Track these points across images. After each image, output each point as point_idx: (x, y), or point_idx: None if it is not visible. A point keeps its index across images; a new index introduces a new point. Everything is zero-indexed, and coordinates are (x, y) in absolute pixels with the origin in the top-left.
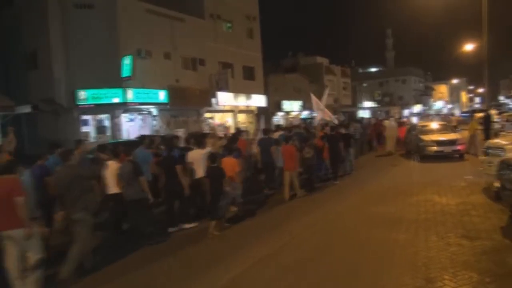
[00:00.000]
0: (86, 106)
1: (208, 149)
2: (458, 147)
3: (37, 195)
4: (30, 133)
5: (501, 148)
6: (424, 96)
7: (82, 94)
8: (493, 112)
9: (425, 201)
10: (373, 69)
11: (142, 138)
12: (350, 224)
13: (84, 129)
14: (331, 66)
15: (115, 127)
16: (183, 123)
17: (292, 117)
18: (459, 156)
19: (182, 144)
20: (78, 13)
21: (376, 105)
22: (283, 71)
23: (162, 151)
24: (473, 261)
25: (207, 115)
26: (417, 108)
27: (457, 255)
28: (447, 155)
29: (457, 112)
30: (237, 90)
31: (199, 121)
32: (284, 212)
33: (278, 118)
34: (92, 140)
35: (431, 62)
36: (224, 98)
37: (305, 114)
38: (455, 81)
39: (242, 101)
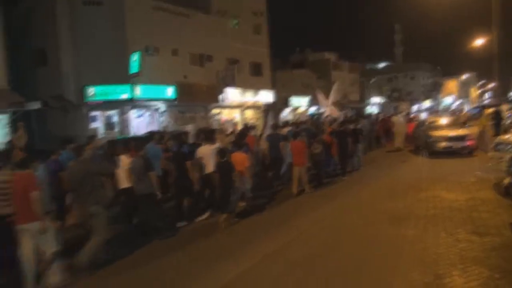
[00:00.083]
0: (95, 102)
1: (217, 144)
2: (468, 143)
3: (50, 190)
4: (40, 129)
5: (511, 144)
6: (433, 91)
7: (91, 90)
8: (504, 107)
9: (434, 197)
10: (382, 65)
11: (151, 134)
12: (359, 219)
13: (93, 125)
14: (339, 61)
15: (124, 123)
16: (191, 119)
17: (300, 113)
18: (468, 152)
19: (191, 139)
20: (87, 10)
21: (384, 101)
22: (291, 67)
23: (172, 147)
24: (482, 257)
25: (215, 111)
26: (426, 103)
27: (466, 251)
28: (456, 151)
29: (466, 107)
30: (244, 86)
31: (207, 117)
32: (293, 208)
33: (286, 114)
34: (100, 136)
35: (441, 57)
36: (232, 94)
37: (312, 110)
38: (464, 76)
39: (249, 97)
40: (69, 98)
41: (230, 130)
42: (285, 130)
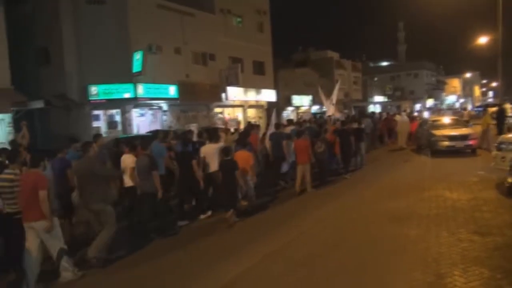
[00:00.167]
0: (98, 101)
1: (221, 143)
2: (470, 142)
3: (56, 188)
4: (42, 128)
5: None
6: (436, 90)
7: (94, 89)
8: (507, 106)
9: (436, 197)
10: (384, 63)
11: (156, 133)
12: (361, 218)
13: (95, 124)
14: (341, 60)
15: (126, 122)
16: (193, 118)
17: (303, 112)
18: (471, 151)
19: (194, 138)
20: (90, 9)
21: (387, 100)
22: (294, 65)
23: (176, 145)
24: (484, 257)
25: (217, 110)
26: (429, 102)
27: (468, 251)
28: (459, 150)
29: (469, 106)
30: (247, 85)
31: (209, 116)
32: (295, 206)
33: (288, 113)
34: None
35: (444, 56)
36: (234, 93)
37: (315, 108)
38: (468, 75)
39: (252, 96)
40: (71, 97)
41: (233, 128)
42: (289, 129)
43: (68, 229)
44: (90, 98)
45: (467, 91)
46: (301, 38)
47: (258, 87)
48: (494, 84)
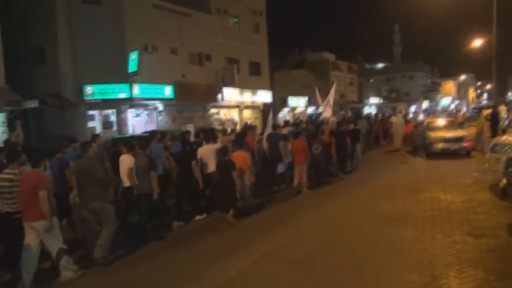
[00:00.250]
0: (93, 101)
1: (218, 144)
2: (465, 144)
3: (54, 187)
4: (37, 127)
5: (508, 145)
6: (431, 92)
7: (89, 89)
8: (502, 108)
9: (431, 198)
10: (380, 65)
11: (153, 133)
12: (357, 220)
13: (91, 124)
14: (337, 62)
15: (121, 122)
16: (189, 118)
17: (300, 113)
18: (465, 153)
19: (191, 139)
20: (86, 8)
21: (382, 101)
22: (290, 66)
23: (174, 146)
24: (478, 259)
25: (213, 110)
26: (424, 104)
27: (462, 253)
28: (453, 152)
29: (464, 108)
30: (243, 85)
31: (205, 116)
32: (292, 207)
33: (284, 114)
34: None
35: (439, 58)
36: (230, 94)
37: (310, 110)
38: (462, 77)
39: (248, 96)
40: (67, 97)
41: (230, 129)
42: (285, 130)
43: (67, 228)
44: (85, 98)
45: (461, 93)
46: (297, 39)
47: (254, 88)
48: (488, 86)
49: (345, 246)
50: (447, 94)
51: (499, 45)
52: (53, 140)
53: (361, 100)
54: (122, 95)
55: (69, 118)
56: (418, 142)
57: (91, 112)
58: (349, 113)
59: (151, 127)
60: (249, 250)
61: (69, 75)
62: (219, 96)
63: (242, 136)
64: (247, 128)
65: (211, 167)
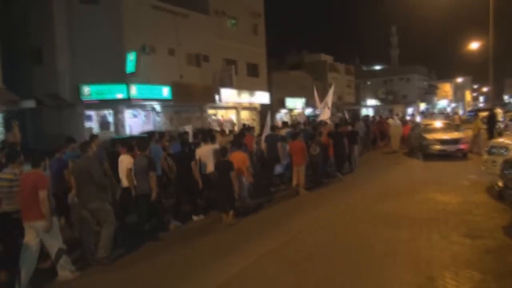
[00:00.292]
0: (90, 101)
1: (216, 145)
2: (461, 146)
3: (53, 187)
4: (34, 127)
5: (505, 147)
6: (428, 94)
7: (86, 89)
8: (498, 111)
9: (428, 200)
10: (377, 67)
11: (151, 133)
12: (354, 221)
13: (88, 124)
14: (335, 63)
15: (119, 122)
16: (186, 119)
17: (297, 114)
18: (462, 155)
19: (189, 139)
20: (84, 8)
21: (379, 103)
22: (287, 68)
23: (172, 146)
24: (475, 260)
25: (211, 111)
26: (421, 106)
27: (459, 254)
28: (450, 154)
29: (460, 111)
30: (240, 86)
31: (203, 117)
32: (290, 208)
33: (282, 115)
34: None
35: (436, 61)
36: (228, 95)
37: (308, 111)
38: (459, 79)
39: (245, 98)
40: (64, 97)
41: (228, 130)
42: (284, 131)
43: (66, 228)
44: (83, 98)
45: (458, 96)
46: (294, 40)
47: (251, 89)
48: (485, 89)
49: (342, 247)
50: (444, 97)
51: (496, 48)
52: (50, 140)
53: (358, 102)
54: (119, 96)
55: (66, 118)
56: (415, 144)
57: (88, 113)
58: (346, 115)
59: (149, 127)
60: (247, 250)
61: (67, 75)
62: (217, 97)
63: (240, 137)
64: (246, 129)
65: (210, 167)
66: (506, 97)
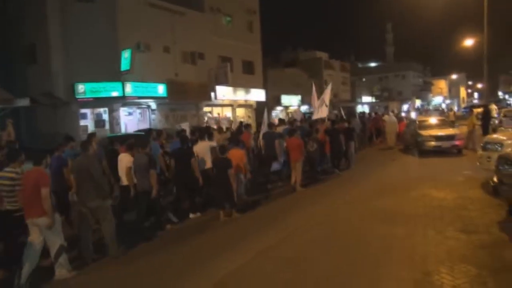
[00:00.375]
0: (85, 99)
1: (213, 141)
2: (456, 142)
3: (53, 185)
4: (29, 126)
5: (499, 143)
6: (423, 91)
7: (81, 87)
8: (493, 107)
9: (423, 196)
10: (373, 64)
11: (149, 131)
12: (350, 218)
13: (83, 122)
14: (330, 60)
15: (114, 121)
16: (182, 117)
17: (293, 111)
18: (457, 151)
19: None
20: (78, 6)
21: (375, 100)
22: (283, 65)
23: (171, 144)
24: (470, 255)
25: (206, 109)
26: (416, 103)
27: (454, 249)
28: (445, 150)
29: (455, 107)
30: (236, 84)
31: (198, 115)
32: (286, 204)
33: (277, 113)
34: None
35: (431, 57)
36: (223, 92)
37: (304, 108)
38: (454, 76)
39: (241, 95)
40: (58, 95)
41: (225, 127)
42: (280, 129)
43: (65, 226)
44: (77, 97)
45: (453, 92)
46: (289, 38)
47: (247, 86)
48: (479, 85)
49: (339, 243)
50: (438, 93)
51: (490, 44)
52: (45, 138)
53: (354, 99)
54: (114, 94)
55: (61, 117)
56: (410, 141)
57: (83, 111)
58: (342, 112)
59: (144, 125)
60: (245, 247)
61: (61, 73)
62: (212, 94)
63: (237, 134)
64: (244, 126)
65: (208, 163)
66: (500, 93)
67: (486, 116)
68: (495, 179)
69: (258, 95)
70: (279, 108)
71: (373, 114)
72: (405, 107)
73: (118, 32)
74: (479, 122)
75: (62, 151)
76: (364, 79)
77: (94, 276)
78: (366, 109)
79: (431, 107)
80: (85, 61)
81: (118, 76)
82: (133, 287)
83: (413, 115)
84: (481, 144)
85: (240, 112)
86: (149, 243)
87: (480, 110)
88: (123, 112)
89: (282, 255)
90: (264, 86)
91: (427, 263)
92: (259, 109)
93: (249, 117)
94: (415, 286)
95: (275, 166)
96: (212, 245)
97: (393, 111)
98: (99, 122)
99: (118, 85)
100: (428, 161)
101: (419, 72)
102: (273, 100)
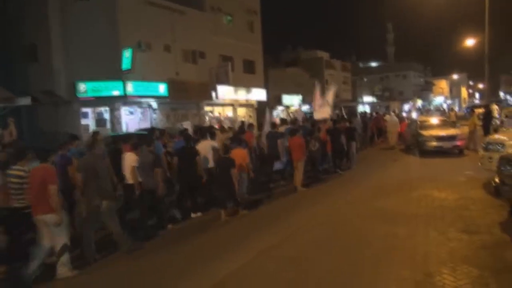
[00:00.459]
0: (86, 98)
1: (215, 141)
2: (458, 143)
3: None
4: (30, 125)
5: (501, 143)
6: (424, 91)
7: (82, 86)
8: (494, 107)
9: (425, 196)
10: (374, 64)
11: (151, 130)
12: (352, 217)
13: (84, 121)
14: (331, 60)
15: (115, 120)
16: (183, 116)
17: (295, 111)
18: (458, 152)
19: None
20: (79, 5)
21: (376, 100)
22: (283, 65)
23: (175, 143)
24: (472, 256)
25: (207, 108)
26: (418, 103)
27: (456, 250)
28: (446, 150)
29: (456, 107)
30: (237, 83)
31: (199, 114)
32: (288, 204)
33: (278, 112)
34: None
35: (432, 57)
36: (224, 92)
37: (304, 108)
38: (455, 76)
39: (242, 94)
40: (60, 94)
41: (228, 127)
42: (282, 128)
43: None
44: (79, 95)
45: (454, 93)
46: (290, 37)
47: (248, 86)
48: (480, 85)
49: (340, 243)
50: (439, 93)
51: (491, 44)
52: (46, 137)
53: (355, 98)
54: (115, 93)
55: (62, 116)
56: (411, 141)
57: (84, 110)
58: (343, 112)
59: (145, 124)
60: (247, 246)
61: (62, 72)
62: (213, 94)
63: (240, 133)
64: (247, 126)
65: (211, 162)
66: (501, 94)
67: (487, 116)
68: (496, 179)
69: (259, 94)
70: (280, 107)
71: (374, 114)
72: (406, 107)
73: (118, 31)
74: (480, 123)
75: (67, 149)
76: (365, 79)
77: (95, 275)
78: (367, 109)
79: (432, 107)
80: (86, 60)
81: (119, 75)
82: (135, 286)
83: (414, 115)
84: (483, 145)
85: (241, 111)
86: (151, 242)
87: (481, 110)
88: (124, 111)
89: (284, 255)
90: (265, 86)
91: (429, 264)
92: (260, 108)
93: (250, 116)
94: (416, 286)
95: (278, 165)
96: (214, 245)
97: (394, 111)
98: (100, 121)
99: (119, 84)
100: (429, 161)
101: (420, 72)
102: (274, 100)
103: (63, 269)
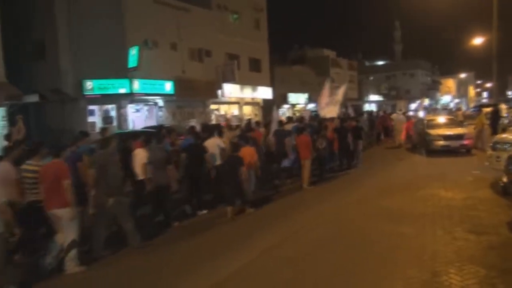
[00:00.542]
0: (93, 96)
1: (222, 138)
2: (465, 142)
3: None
4: (37, 122)
5: (509, 143)
6: (431, 90)
7: (89, 84)
8: (502, 106)
9: (431, 195)
10: (380, 62)
11: (160, 128)
12: (358, 216)
13: (91, 119)
14: (338, 58)
15: (121, 117)
16: (189, 114)
17: (303, 109)
18: (466, 151)
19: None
20: (85, 3)
21: (382, 99)
22: (290, 63)
23: (184, 140)
24: (479, 256)
25: (213, 106)
26: (425, 102)
27: (463, 250)
28: (453, 149)
29: (464, 107)
30: (243, 82)
31: (205, 112)
32: (293, 203)
33: (284, 111)
34: (98, 130)
35: (439, 56)
36: (230, 90)
37: (310, 106)
38: (463, 75)
39: (248, 93)
40: (67, 92)
41: (235, 125)
42: (289, 126)
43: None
44: (85, 93)
45: (461, 91)
46: (296, 35)
47: (254, 84)
48: (488, 84)
49: (346, 242)
50: (447, 92)
51: (499, 43)
52: (53, 134)
53: (361, 97)
54: (122, 91)
55: (69, 113)
56: (418, 140)
57: (91, 107)
58: (350, 110)
59: (151, 122)
60: (251, 244)
61: (69, 70)
62: (219, 92)
63: (247, 131)
64: (254, 124)
65: (218, 160)
66: (509, 93)
67: (495, 115)
68: (504, 179)
69: (265, 93)
70: (286, 106)
71: (380, 113)
72: (413, 106)
73: (125, 29)
74: (488, 122)
75: (77, 146)
76: (371, 78)
77: (101, 271)
78: (373, 107)
79: (439, 106)
80: (93, 58)
81: (126, 73)
82: (134, 285)
83: (421, 114)
84: (490, 144)
85: (247, 110)
86: (157, 239)
87: (489, 109)
88: (130, 109)
89: (288, 254)
90: (271, 84)
91: (435, 263)
92: (266, 107)
93: (255, 115)
94: (423, 286)
95: (285, 163)
96: (218, 242)
97: (400, 110)
98: (107, 118)
99: (125, 82)
100: (436, 160)
101: (428, 70)
102: (280, 98)
103: (71, 265)
